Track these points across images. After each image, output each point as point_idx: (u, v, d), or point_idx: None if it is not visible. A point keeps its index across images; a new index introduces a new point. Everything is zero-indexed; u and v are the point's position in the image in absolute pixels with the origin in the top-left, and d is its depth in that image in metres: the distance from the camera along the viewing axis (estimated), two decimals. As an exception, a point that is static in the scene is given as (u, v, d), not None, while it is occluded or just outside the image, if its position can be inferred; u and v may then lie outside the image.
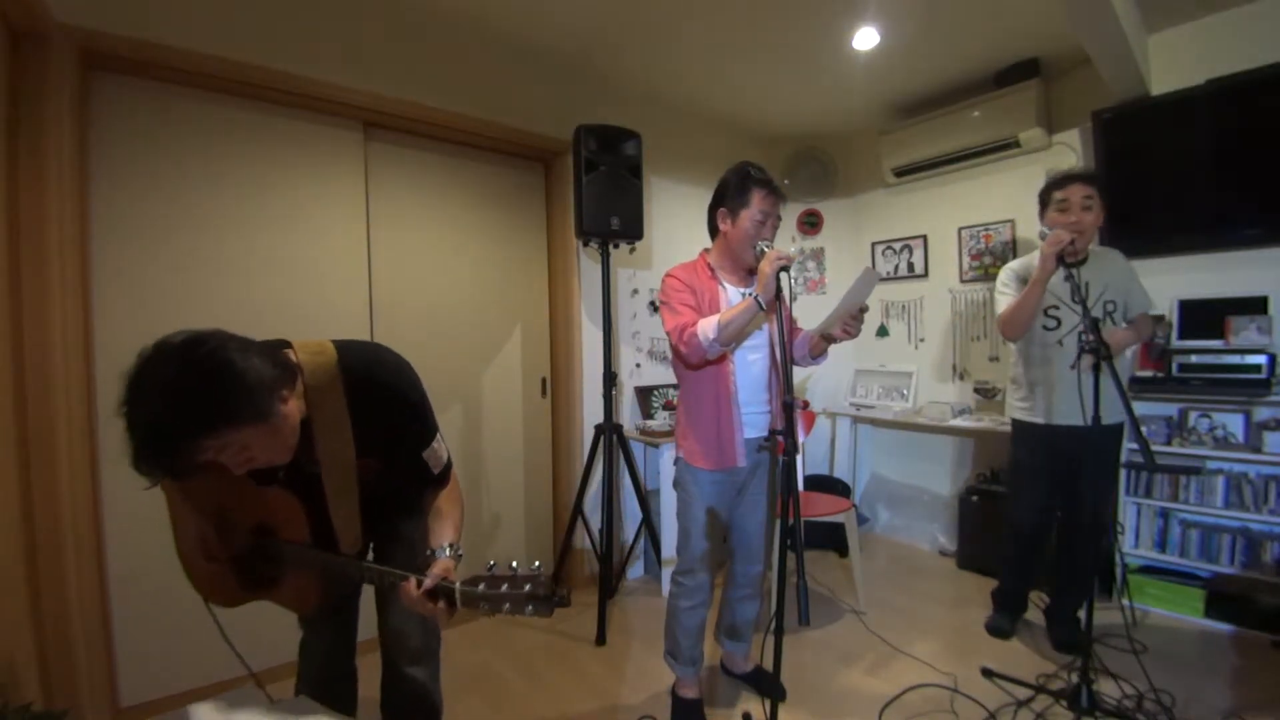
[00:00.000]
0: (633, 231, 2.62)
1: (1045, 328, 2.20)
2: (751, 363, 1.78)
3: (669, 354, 3.30)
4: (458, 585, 0.94)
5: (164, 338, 0.87)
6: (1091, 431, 1.92)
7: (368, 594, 1.35)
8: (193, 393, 0.83)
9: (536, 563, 0.95)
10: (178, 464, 0.87)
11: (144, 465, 0.85)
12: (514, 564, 0.94)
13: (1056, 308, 2.17)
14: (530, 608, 0.90)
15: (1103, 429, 2.01)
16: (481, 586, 0.93)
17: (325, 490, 1.07)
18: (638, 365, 3.23)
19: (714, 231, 1.84)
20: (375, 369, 1.11)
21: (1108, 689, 1.90)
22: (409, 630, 1.31)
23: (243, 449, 0.92)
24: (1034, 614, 2.51)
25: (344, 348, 1.08)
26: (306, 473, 1.08)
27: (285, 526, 1.12)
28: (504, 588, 0.91)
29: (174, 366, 0.84)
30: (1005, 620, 2.43)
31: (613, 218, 2.55)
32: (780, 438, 1.55)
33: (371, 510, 1.17)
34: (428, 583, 0.97)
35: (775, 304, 1.52)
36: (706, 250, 1.88)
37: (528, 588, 0.90)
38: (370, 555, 1.28)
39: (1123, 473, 2.59)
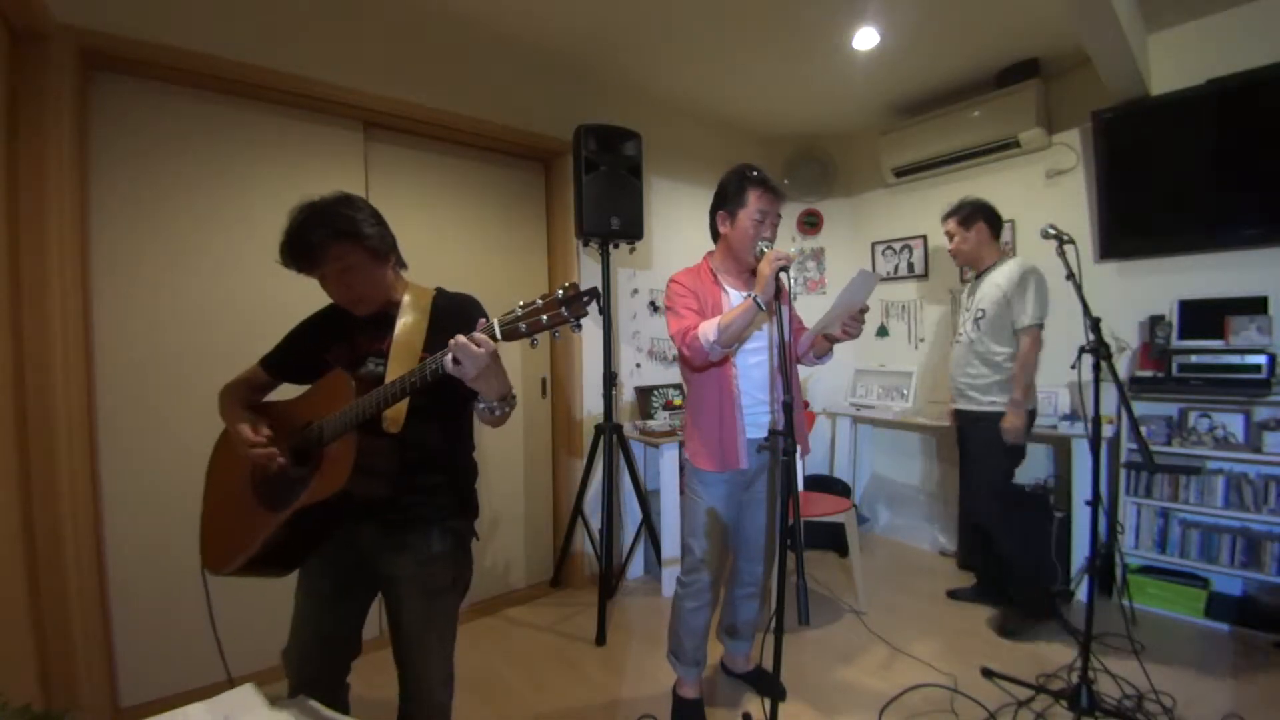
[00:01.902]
0: (633, 231, 2.62)
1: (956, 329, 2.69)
2: (753, 365, 1.78)
3: (669, 354, 3.33)
4: (495, 320, 1.01)
5: None
6: (964, 419, 2.55)
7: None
8: (338, 213, 1.19)
9: (566, 281, 1.01)
10: (308, 255, 1.18)
11: (287, 254, 1.18)
12: (544, 292, 1.00)
13: (965, 311, 2.62)
14: (565, 310, 0.96)
15: (963, 414, 2.57)
16: (518, 310, 0.99)
17: (388, 373, 1.21)
18: (638, 365, 3.23)
19: (716, 235, 1.85)
20: (460, 294, 1.39)
21: (1108, 689, 1.90)
22: (430, 648, 1.28)
23: (349, 270, 1.21)
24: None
25: (442, 288, 1.39)
26: (371, 375, 1.25)
27: (339, 405, 1.17)
28: (537, 303, 0.98)
29: (328, 199, 1.21)
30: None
31: (613, 218, 2.55)
32: (780, 438, 1.55)
33: (418, 407, 1.22)
34: (474, 333, 1.01)
35: (775, 304, 1.52)
36: (710, 254, 1.89)
37: (559, 294, 0.96)
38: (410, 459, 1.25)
39: (1123, 473, 2.61)
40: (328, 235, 1.17)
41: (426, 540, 1.26)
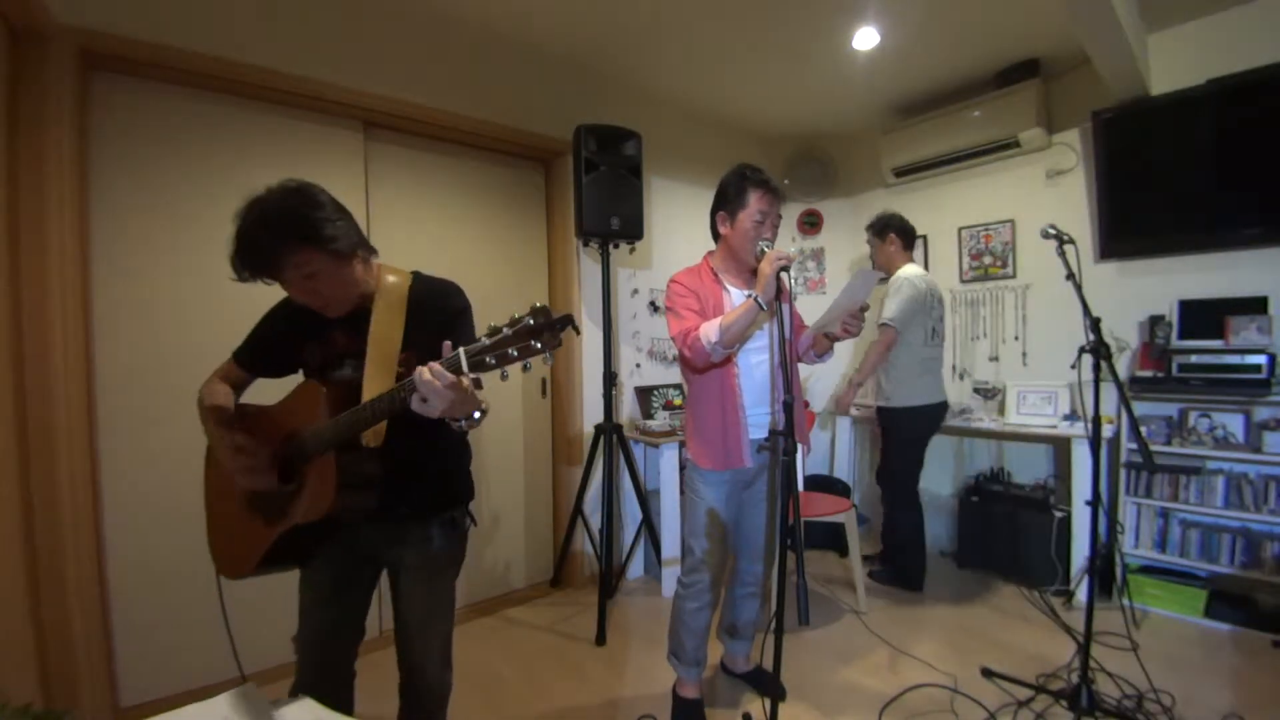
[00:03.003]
0: (633, 231, 2.62)
1: None
2: (755, 365, 1.78)
3: (669, 354, 3.33)
4: (461, 351, 0.92)
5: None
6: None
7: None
8: (294, 214, 1.06)
9: (538, 302, 0.91)
10: (265, 265, 1.07)
11: (239, 263, 1.07)
12: (514, 314, 0.90)
13: None
14: (537, 343, 0.87)
15: None
16: (484, 340, 0.90)
17: (364, 377, 1.14)
18: (638, 365, 3.23)
19: (716, 236, 1.85)
20: (438, 280, 1.30)
21: (1107, 689, 1.90)
22: (430, 631, 1.30)
23: (311, 276, 1.09)
24: (1033, 611, 2.52)
25: (419, 272, 1.29)
26: (345, 380, 1.19)
27: (311, 420, 1.14)
28: (505, 333, 0.88)
29: (279, 195, 1.08)
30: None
31: (613, 218, 2.55)
32: (780, 438, 1.55)
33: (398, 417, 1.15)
34: (436, 365, 0.93)
35: (776, 304, 1.52)
36: (710, 254, 1.88)
37: (529, 323, 0.87)
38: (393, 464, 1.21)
39: (1123, 473, 2.61)
40: (285, 243, 1.05)
41: (427, 532, 1.27)
